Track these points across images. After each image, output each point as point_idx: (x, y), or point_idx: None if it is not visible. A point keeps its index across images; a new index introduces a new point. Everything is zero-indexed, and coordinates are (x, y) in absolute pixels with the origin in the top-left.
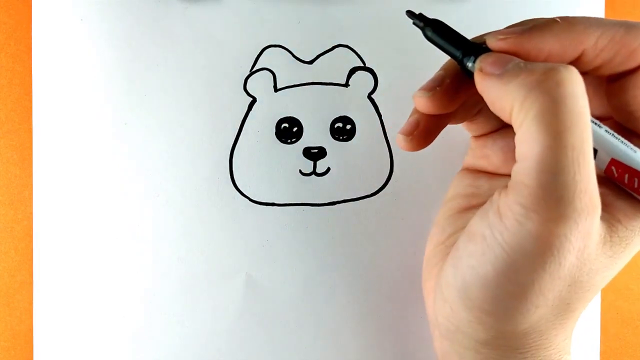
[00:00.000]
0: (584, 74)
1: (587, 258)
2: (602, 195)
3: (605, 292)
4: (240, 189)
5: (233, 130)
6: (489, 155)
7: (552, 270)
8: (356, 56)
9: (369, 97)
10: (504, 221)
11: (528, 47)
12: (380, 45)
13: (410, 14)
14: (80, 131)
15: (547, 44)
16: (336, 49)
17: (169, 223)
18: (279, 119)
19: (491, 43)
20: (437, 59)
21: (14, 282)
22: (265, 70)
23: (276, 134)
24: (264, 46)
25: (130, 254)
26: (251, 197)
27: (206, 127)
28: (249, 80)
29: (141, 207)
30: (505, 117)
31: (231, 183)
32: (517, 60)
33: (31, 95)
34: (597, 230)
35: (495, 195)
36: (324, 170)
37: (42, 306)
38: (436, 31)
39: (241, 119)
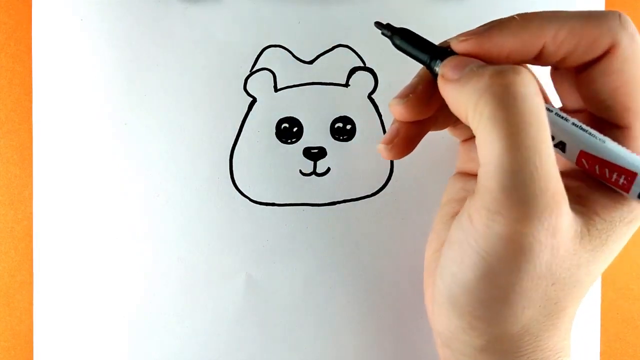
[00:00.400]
0: (554, 67)
1: (564, 254)
2: (576, 188)
3: (605, 292)
4: (240, 189)
5: (233, 130)
6: (475, 159)
7: (528, 270)
8: (356, 56)
9: (369, 97)
10: (475, 226)
11: (488, 46)
12: (380, 45)
13: (378, 24)
14: (80, 131)
15: (507, 42)
16: (336, 49)
17: (169, 223)
18: (279, 119)
19: (454, 45)
20: None
21: (14, 282)
22: (265, 70)
23: (276, 134)
24: (264, 46)
25: (130, 254)
26: (251, 197)
27: (206, 127)
28: (249, 80)
29: (141, 207)
30: (465, 122)
31: (231, 183)
32: (473, 64)
33: (31, 95)
34: (569, 225)
35: (467, 201)
36: (324, 170)
37: (42, 306)
38: (404, 38)
39: (241, 119)
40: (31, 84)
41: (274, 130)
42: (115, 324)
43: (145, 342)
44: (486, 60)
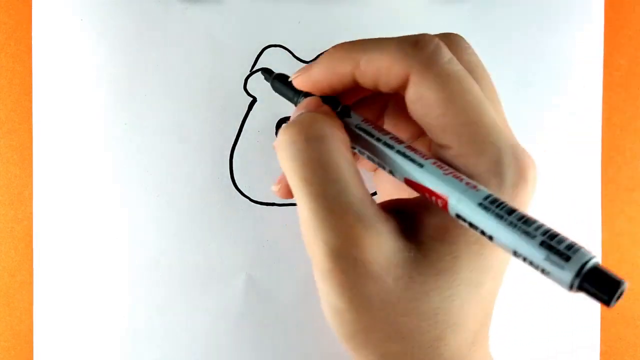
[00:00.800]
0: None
1: (397, 283)
2: (416, 213)
3: None
4: (240, 189)
5: (233, 130)
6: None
7: (357, 306)
8: None
9: None
10: (314, 269)
11: (313, 80)
12: None
13: (263, 70)
14: (80, 131)
15: (322, 74)
16: None
17: (169, 223)
18: (279, 119)
19: (293, 82)
20: None
21: (14, 282)
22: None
23: (276, 134)
24: (264, 46)
25: (130, 254)
26: (251, 197)
27: (206, 127)
28: (249, 80)
29: (141, 207)
30: None
31: (231, 183)
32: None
33: (31, 95)
34: (391, 252)
35: None
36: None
37: (42, 306)
38: (280, 81)
39: (241, 119)
40: (31, 84)
41: (274, 130)
42: (115, 324)
43: (145, 342)
44: (326, 93)
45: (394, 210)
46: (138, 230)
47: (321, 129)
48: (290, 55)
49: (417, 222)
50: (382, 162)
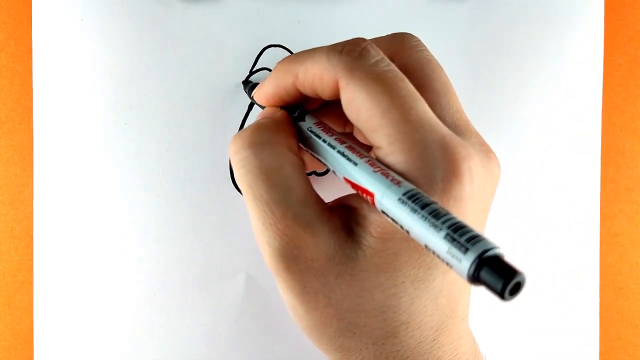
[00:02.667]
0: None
1: (340, 280)
2: (359, 210)
3: (605, 292)
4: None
5: (233, 130)
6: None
7: (306, 302)
8: None
9: None
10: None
11: (265, 96)
12: None
13: (244, 82)
14: (81, 131)
15: (270, 91)
16: None
17: (169, 223)
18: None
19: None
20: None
21: (14, 282)
22: (265, 70)
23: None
24: (264, 46)
25: (130, 253)
26: None
27: (206, 127)
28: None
29: (141, 207)
30: None
31: (231, 183)
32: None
33: (31, 95)
34: (332, 251)
35: None
36: (324, 169)
37: (42, 306)
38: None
39: (241, 119)
40: (31, 84)
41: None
42: (115, 324)
43: (145, 342)
44: (280, 105)
45: (343, 206)
46: (138, 230)
47: (261, 136)
48: None
49: (359, 219)
50: (326, 162)
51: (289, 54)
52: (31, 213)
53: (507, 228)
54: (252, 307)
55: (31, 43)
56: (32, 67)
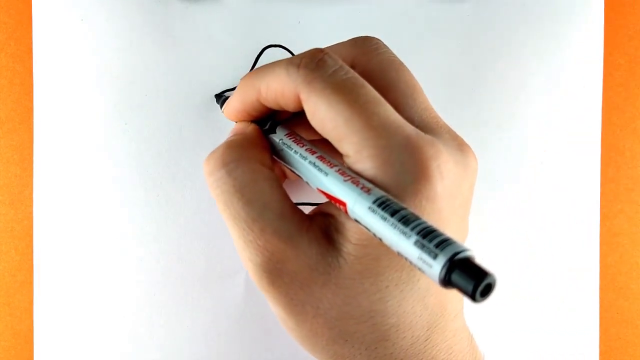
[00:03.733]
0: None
1: (325, 289)
2: (338, 217)
3: (605, 292)
4: None
5: None
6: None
7: (295, 314)
8: None
9: None
10: None
11: (233, 112)
12: None
13: (217, 96)
14: (81, 131)
15: (237, 107)
16: None
17: (169, 223)
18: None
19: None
20: (436, 60)
21: (14, 282)
22: None
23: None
24: (264, 46)
25: (130, 253)
26: None
27: (206, 127)
28: None
29: (141, 207)
30: None
31: None
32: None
33: (31, 95)
34: (314, 261)
35: None
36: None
37: (42, 306)
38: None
39: None
40: (32, 84)
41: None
42: (115, 324)
43: (145, 342)
44: (247, 119)
45: (322, 214)
46: (138, 231)
47: (233, 154)
48: (290, 56)
49: (338, 226)
50: (300, 173)
51: (289, 54)
52: (31, 213)
53: (507, 228)
54: (252, 307)
55: (31, 43)
56: (32, 67)
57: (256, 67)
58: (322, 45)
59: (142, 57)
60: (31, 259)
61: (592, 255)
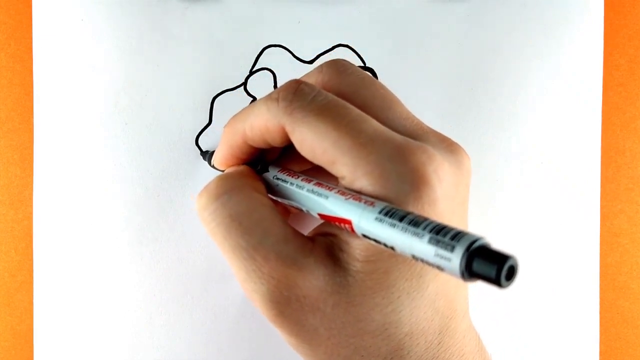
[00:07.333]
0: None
1: (337, 310)
2: (342, 236)
3: (605, 292)
4: None
5: None
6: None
7: (308, 340)
8: (356, 56)
9: None
10: None
11: (222, 161)
12: (380, 45)
13: (202, 154)
14: (81, 131)
15: (226, 154)
16: (336, 49)
17: (169, 223)
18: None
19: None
20: (436, 60)
21: (14, 282)
22: (265, 70)
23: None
24: (264, 46)
25: (131, 254)
26: None
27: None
28: (249, 81)
29: (141, 207)
30: None
31: None
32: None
33: (32, 95)
34: (323, 282)
35: None
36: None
37: (42, 306)
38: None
39: None
40: (32, 84)
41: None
42: (115, 324)
43: (145, 342)
44: (238, 164)
45: (323, 235)
46: (138, 230)
47: (226, 185)
48: (290, 55)
49: (342, 246)
50: (299, 205)
51: (289, 54)
52: (31, 213)
53: (507, 228)
54: (252, 307)
55: (31, 43)
56: (32, 67)
57: (256, 67)
58: (322, 45)
59: (142, 57)
60: (31, 259)
61: (592, 255)
